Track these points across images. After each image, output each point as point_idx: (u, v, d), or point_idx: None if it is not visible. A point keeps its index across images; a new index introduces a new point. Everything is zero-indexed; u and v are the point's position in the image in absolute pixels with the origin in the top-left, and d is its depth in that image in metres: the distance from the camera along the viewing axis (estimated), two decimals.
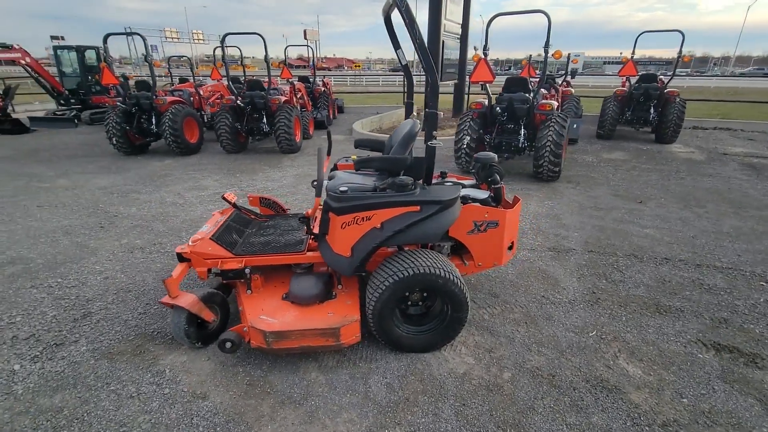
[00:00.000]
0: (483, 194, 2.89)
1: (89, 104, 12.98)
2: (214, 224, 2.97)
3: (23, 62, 11.51)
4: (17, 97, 15.63)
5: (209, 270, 2.67)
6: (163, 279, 2.37)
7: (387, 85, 30.82)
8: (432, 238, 2.37)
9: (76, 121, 12.00)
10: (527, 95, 6.09)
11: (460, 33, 11.78)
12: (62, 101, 12.80)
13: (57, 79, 12.97)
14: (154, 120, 8.15)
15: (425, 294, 2.53)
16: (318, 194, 2.39)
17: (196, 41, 50.47)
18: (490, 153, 2.83)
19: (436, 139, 2.35)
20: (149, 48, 7.81)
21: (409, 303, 2.58)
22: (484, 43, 6.02)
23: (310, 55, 14.54)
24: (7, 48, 11.38)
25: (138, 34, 7.74)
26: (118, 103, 8.05)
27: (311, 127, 10.16)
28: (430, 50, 10.21)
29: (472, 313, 2.94)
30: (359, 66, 43.95)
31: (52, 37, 18.27)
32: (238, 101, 8.05)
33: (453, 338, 2.55)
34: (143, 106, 8.05)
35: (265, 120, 8.32)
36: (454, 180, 3.20)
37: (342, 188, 2.41)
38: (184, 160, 7.98)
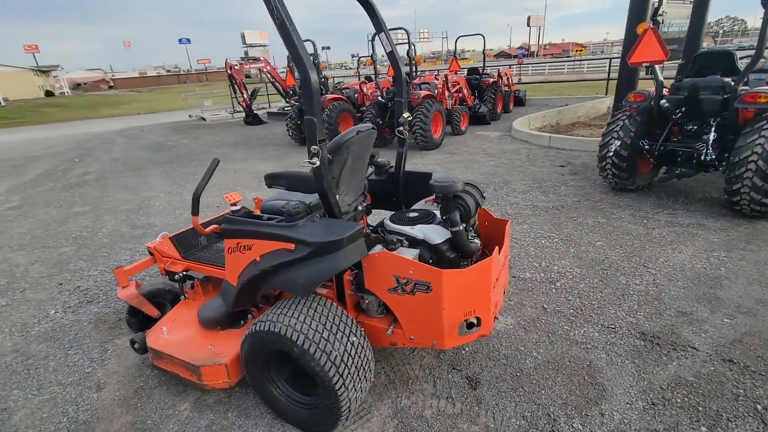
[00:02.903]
0: (441, 236, 1.96)
1: None
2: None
3: (265, 69, 15.01)
4: (273, 96, 20.77)
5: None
6: (113, 269, 2.61)
7: (616, 72, 25.65)
8: (301, 289, 1.75)
9: None
10: (727, 80, 3.83)
11: None
12: (287, 99, 16.11)
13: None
14: None
15: None
16: (193, 212, 2.11)
17: (421, 40, 54.42)
18: (451, 177, 1.86)
19: (316, 156, 1.69)
20: (317, 51, 8.84)
21: None
22: (656, 6, 4.09)
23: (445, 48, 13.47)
24: (257, 59, 15.10)
25: (309, 41, 8.86)
26: (294, 102, 9.50)
27: (464, 122, 9.46)
28: (632, 21, 7.68)
29: (412, 400, 2.09)
30: (581, 50, 38.00)
31: (323, 48, 23.20)
32: (379, 97, 8.23)
33: (329, 430, 1.86)
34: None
35: None
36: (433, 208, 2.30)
37: (234, 207, 2.05)
38: None
